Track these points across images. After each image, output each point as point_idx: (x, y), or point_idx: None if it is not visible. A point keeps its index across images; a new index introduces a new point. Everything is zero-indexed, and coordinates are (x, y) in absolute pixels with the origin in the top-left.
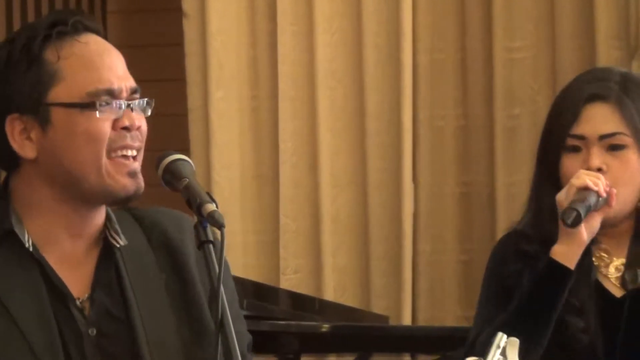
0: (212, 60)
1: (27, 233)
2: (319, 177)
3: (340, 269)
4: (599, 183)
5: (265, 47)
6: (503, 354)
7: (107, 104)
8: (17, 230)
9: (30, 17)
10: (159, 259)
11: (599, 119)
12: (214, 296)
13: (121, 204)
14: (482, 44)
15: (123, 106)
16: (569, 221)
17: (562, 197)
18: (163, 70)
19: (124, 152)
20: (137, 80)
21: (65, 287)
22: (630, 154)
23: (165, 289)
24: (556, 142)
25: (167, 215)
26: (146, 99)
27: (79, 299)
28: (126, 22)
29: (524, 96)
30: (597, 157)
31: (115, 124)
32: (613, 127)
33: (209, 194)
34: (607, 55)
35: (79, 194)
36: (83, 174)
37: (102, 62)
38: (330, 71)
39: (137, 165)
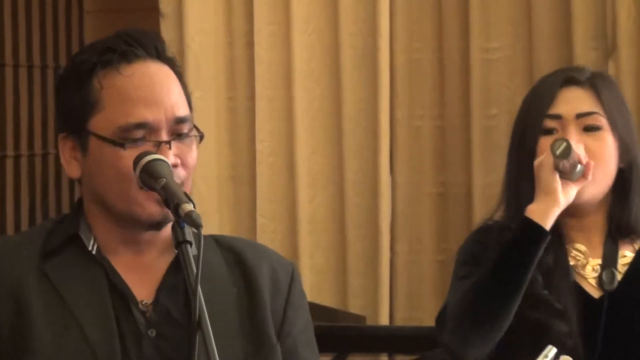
0: (189, 61)
1: (95, 239)
2: (296, 177)
3: (317, 269)
4: (579, 147)
5: (243, 47)
6: None
7: (141, 140)
8: (82, 235)
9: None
10: (233, 275)
11: (575, 99)
12: (192, 295)
13: (154, 228)
14: (459, 45)
15: (159, 141)
16: (559, 151)
17: (542, 159)
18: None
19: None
20: None
21: (128, 288)
22: (606, 137)
23: (235, 303)
24: (533, 125)
25: (244, 241)
26: (194, 133)
27: (142, 301)
28: (103, 21)
29: (501, 96)
30: (574, 135)
31: None
32: (589, 107)
33: (186, 194)
34: (584, 56)
35: (117, 217)
36: (112, 201)
37: (138, 95)
38: (307, 72)
39: None
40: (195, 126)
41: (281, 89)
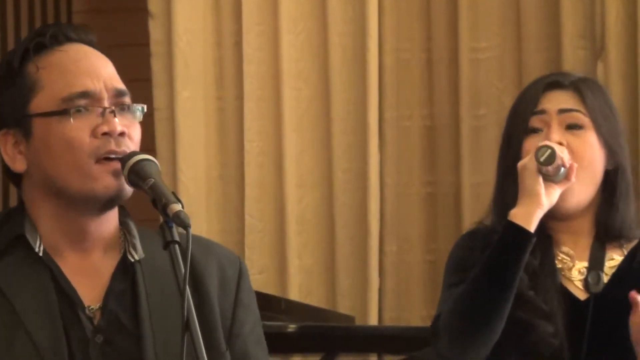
0: (178, 60)
1: (40, 239)
2: (285, 177)
3: (306, 269)
4: (563, 150)
5: (231, 47)
6: None
7: (85, 109)
8: (28, 235)
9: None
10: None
11: (558, 98)
12: (181, 296)
13: (108, 206)
14: (448, 45)
15: (105, 112)
16: (543, 158)
17: (525, 161)
18: (129, 70)
19: (109, 156)
20: None
21: (76, 293)
22: (589, 136)
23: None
24: (519, 126)
25: (195, 239)
26: (135, 104)
27: (89, 306)
28: (91, 22)
29: (490, 96)
30: (557, 131)
31: (95, 130)
32: (572, 105)
33: (174, 193)
34: (573, 56)
35: (69, 201)
36: (65, 181)
37: (78, 67)
38: (295, 71)
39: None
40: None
41: (270, 89)
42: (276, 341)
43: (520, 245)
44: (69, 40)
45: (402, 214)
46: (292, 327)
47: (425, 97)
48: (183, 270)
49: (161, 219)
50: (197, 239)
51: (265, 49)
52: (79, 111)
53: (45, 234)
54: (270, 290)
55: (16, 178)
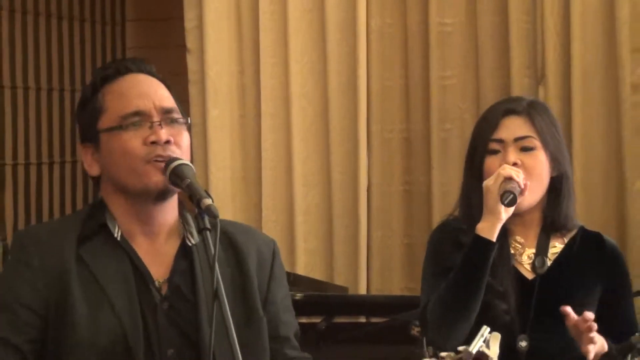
0: (209, 86)
1: (118, 227)
2: (293, 178)
3: (310, 250)
4: (519, 175)
5: (251, 75)
6: (486, 343)
7: (138, 124)
8: (109, 224)
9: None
10: (227, 256)
11: (513, 126)
12: (211, 271)
13: (160, 197)
14: (422, 74)
15: (153, 125)
16: (507, 201)
17: (490, 183)
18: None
19: (157, 160)
20: None
21: (146, 269)
22: (539, 155)
23: (229, 281)
24: (481, 147)
25: (236, 225)
26: (181, 118)
27: (157, 280)
28: (141, 55)
29: (454, 114)
30: (513, 154)
31: (146, 139)
32: (525, 132)
33: (206, 191)
34: (519, 82)
35: (131, 195)
36: (126, 179)
37: (132, 91)
38: (301, 94)
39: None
40: (182, 115)
41: (281, 108)
42: None
43: (487, 253)
44: (129, 71)
45: (385, 207)
46: (299, 296)
47: (403, 114)
48: (213, 250)
49: (196, 211)
50: (240, 226)
51: (277, 77)
52: (133, 124)
53: (121, 222)
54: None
55: (95, 180)
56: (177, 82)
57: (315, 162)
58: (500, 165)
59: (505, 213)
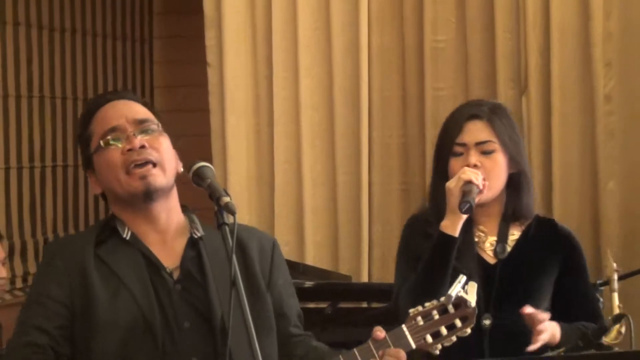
0: (227, 97)
1: (127, 230)
2: (302, 179)
3: (317, 243)
4: (478, 177)
5: (265, 87)
6: (465, 290)
7: (116, 140)
8: (119, 228)
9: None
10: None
11: (475, 131)
12: (229, 261)
13: (148, 198)
14: (417, 85)
15: (127, 136)
16: (464, 210)
17: (452, 185)
18: (193, 103)
19: (136, 164)
20: (173, 110)
21: (157, 258)
22: (498, 156)
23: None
24: (446, 150)
25: (240, 225)
26: (153, 125)
27: (168, 267)
28: (167, 69)
29: None
30: (474, 157)
31: (122, 150)
32: (485, 136)
33: (225, 190)
34: (505, 94)
35: (124, 201)
36: (115, 190)
37: (109, 114)
38: (310, 104)
39: (146, 170)
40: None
41: (292, 117)
42: (297, 294)
43: (450, 247)
44: (109, 100)
45: (385, 204)
46: (308, 284)
47: (401, 122)
48: (231, 243)
49: (215, 208)
50: (244, 226)
51: (288, 89)
52: (113, 140)
53: (132, 225)
54: (292, 258)
55: (103, 197)
56: (199, 93)
57: (322, 164)
58: (462, 167)
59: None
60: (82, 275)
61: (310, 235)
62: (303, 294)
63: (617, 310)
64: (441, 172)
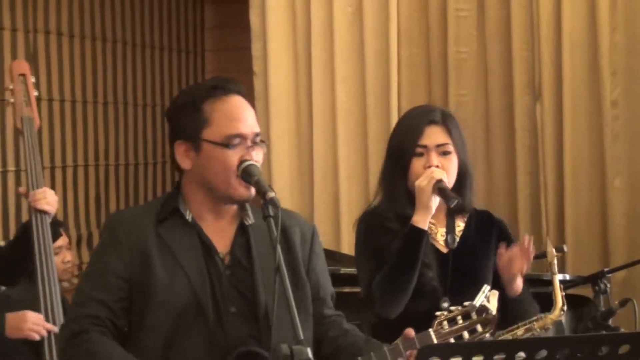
0: (272, 102)
1: (190, 211)
2: (339, 175)
3: (352, 233)
4: (444, 176)
5: (305, 94)
6: (487, 298)
7: (238, 144)
8: (181, 208)
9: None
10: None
11: (434, 134)
12: (273, 250)
13: (233, 203)
14: (442, 92)
15: (247, 147)
16: (453, 205)
17: (424, 183)
18: None
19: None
20: None
21: (212, 243)
22: (453, 157)
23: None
24: (408, 150)
25: (285, 211)
26: (263, 142)
27: (221, 252)
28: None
29: (468, 125)
30: (435, 158)
31: (240, 157)
32: (443, 139)
33: (270, 186)
34: (521, 100)
35: (215, 195)
36: (216, 186)
37: (235, 114)
38: (345, 109)
39: None
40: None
41: (329, 120)
42: (334, 280)
43: (421, 240)
44: (232, 92)
45: None
46: (343, 271)
47: None
48: (275, 233)
49: (262, 202)
50: (287, 212)
51: (326, 95)
52: (234, 145)
53: (194, 208)
54: (329, 247)
55: (180, 170)
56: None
57: (356, 162)
58: (423, 166)
59: (434, 206)
60: (143, 253)
61: (345, 226)
62: (339, 280)
63: (558, 293)
64: (400, 172)
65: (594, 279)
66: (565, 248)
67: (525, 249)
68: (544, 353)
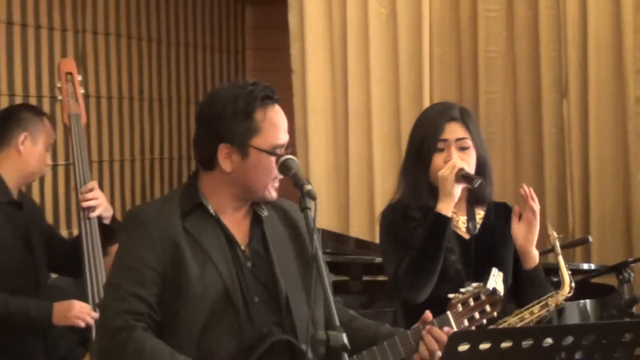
0: (309, 100)
1: (210, 205)
2: (373, 169)
3: None
4: (467, 166)
5: (341, 93)
6: (496, 281)
7: (276, 154)
8: (204, 202)
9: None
10: (284, 225)
11: (455, 130)
12: (310, 239)
13: (263, 202)
14: (472, 90)
15: (287, 154)
16: (476, 184)
17: (446, 173)
18: (280, 105)
19: (279, 178)
20: None
21: (234, 236)
22: (472, 152)
23: (290, 242)
24: (430, 146)
25: (286, 202)
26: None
27: (242, 245)
28: (257, 76)
29: (497, 121)
30: (455, 152)
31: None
32: (463, 134)
33: (307, 179)
34: (548, 97)
35: (247, 195)
36: (256, 189)
37: (280, 125)
38: (379, 108)
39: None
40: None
41: (364, 118)
42: (366, 268)
43: (446, 226)
44: (277, 101)
45: None
46: (378, 260)
47: None
48: (312, 224)
49: (299, 194)
50: (291, 203)
51: (361, 93)
52: (274, 153)
53: (215, 202)
54: (364, 237)
55: (209, 167)
56: (285, 97)
57: (390, 157)
58: (444, 160)
59: (457, 195)
60: (175, 247)
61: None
62: (374, 269)
63: (565, 271)
64: (422, 166)
65: (618, 269)
66: (590, 239)
67: (527, 196)
68: (570, 339)
